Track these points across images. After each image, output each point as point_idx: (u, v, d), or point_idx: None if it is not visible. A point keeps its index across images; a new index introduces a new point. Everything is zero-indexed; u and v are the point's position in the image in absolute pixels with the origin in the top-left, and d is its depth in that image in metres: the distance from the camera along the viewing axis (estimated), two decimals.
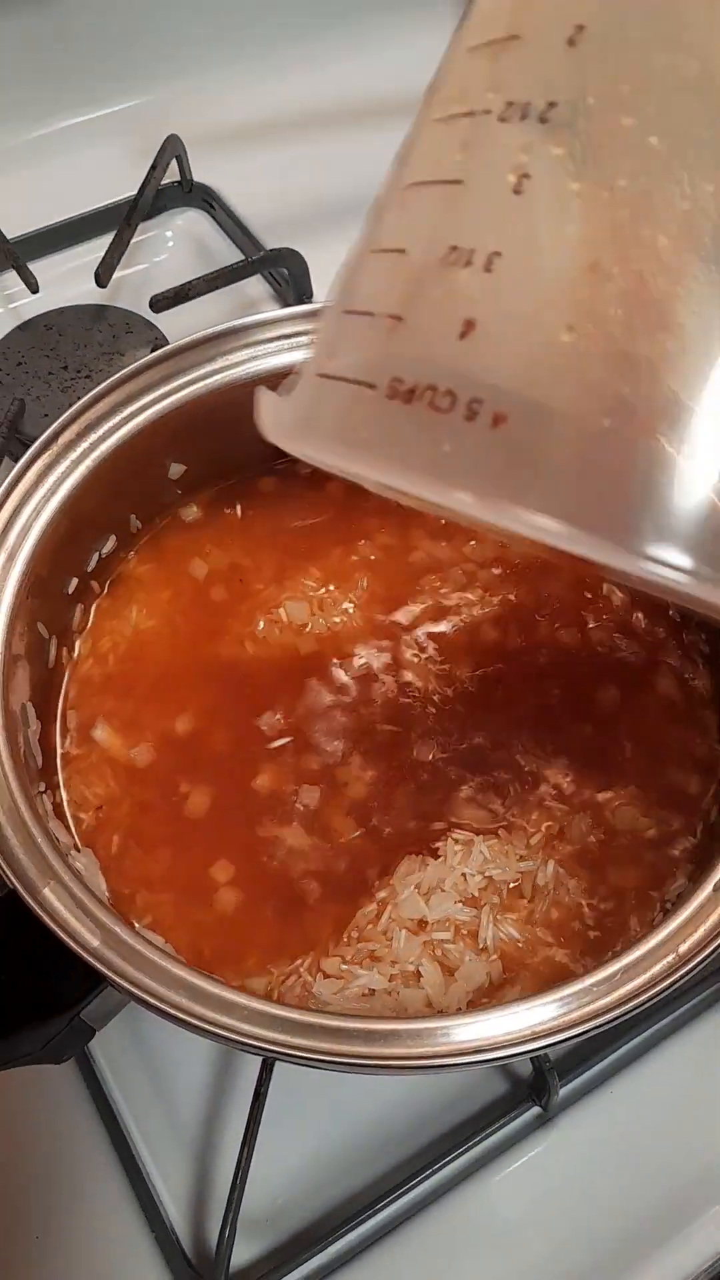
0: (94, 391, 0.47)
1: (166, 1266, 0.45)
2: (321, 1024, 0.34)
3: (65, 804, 0.44)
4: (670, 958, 0.35)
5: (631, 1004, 0.34)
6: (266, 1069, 0.45)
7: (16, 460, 0.65)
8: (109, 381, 0.47)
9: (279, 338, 0.50)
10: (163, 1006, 0.34)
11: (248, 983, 0.41)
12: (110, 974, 0.34)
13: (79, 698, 0.48)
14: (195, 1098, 0.49)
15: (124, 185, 0.79)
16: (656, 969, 0.35)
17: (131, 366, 0.48)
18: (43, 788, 0.43)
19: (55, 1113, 0.48)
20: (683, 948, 0.35)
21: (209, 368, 0.49)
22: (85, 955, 0.34)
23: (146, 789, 0.45)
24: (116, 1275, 0.45)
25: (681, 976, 0.34)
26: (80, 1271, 0.45)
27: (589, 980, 0.35)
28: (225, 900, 0.43)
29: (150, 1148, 0.48)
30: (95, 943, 0.35)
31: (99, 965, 0.34)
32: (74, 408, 0.47)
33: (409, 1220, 0.47)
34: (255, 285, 0.77)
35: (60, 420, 0.46)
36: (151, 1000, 0.34)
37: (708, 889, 0.37)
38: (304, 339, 0.50)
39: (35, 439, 0.64)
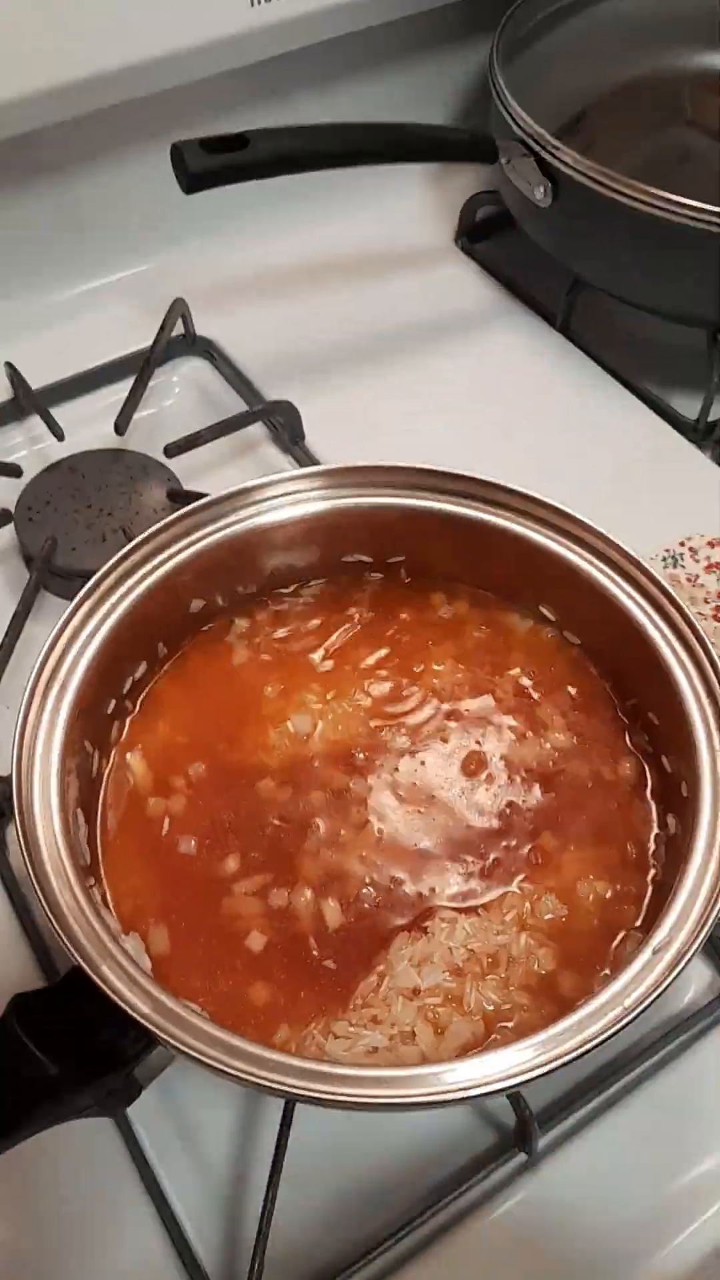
0: (132, 543, 0.56)
1: None
2: (337, 1073, 0.42)
3: (108, 896, 0.52)
4: (618, 1010, 0.43)
5: (588, 1046, 0.42)
6: (286, 1125, 0.52)
7: (50, 590, 0.76)
8: (144, 535, 0.56)
9: (282, 495, 0.60)
10: (206, 1060, 0.41)
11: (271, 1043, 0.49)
12: (162, 1035, 0.42)
13: (114, 799, 0.57)
14: (221, 1154, 0.56)
15: (135, 339, 0.91)
16: (608, 1018, 0.43)
17: (161, 522, 0.57)
18: (91, 882, 0.51)
19: (95, 1168, 0.55)
20: (627, 1002, 0.43)
21: (224, 521, 0.59)
22: (140, 1020, 0.42)
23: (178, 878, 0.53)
24: None
25: (626, 1024, 0.42)
26: None
27: (554, 1030, 0.43)
28: (248, 971, 0.51)
29: (181, 1198, 0.54)
30: (147, 1009, 0.43)
31: (152, 1028, 0.42)
32: (114, 558, 0.56)
33: (410, 1260, 0.53)
34: (254, 428, 0.87)
35: (104, 569, 0.55)
36: (197, 1055, 0.41)
37: (647, 953, 0.45)
38: (300, 495, 0.60)
39: (66, 570, 0.75)
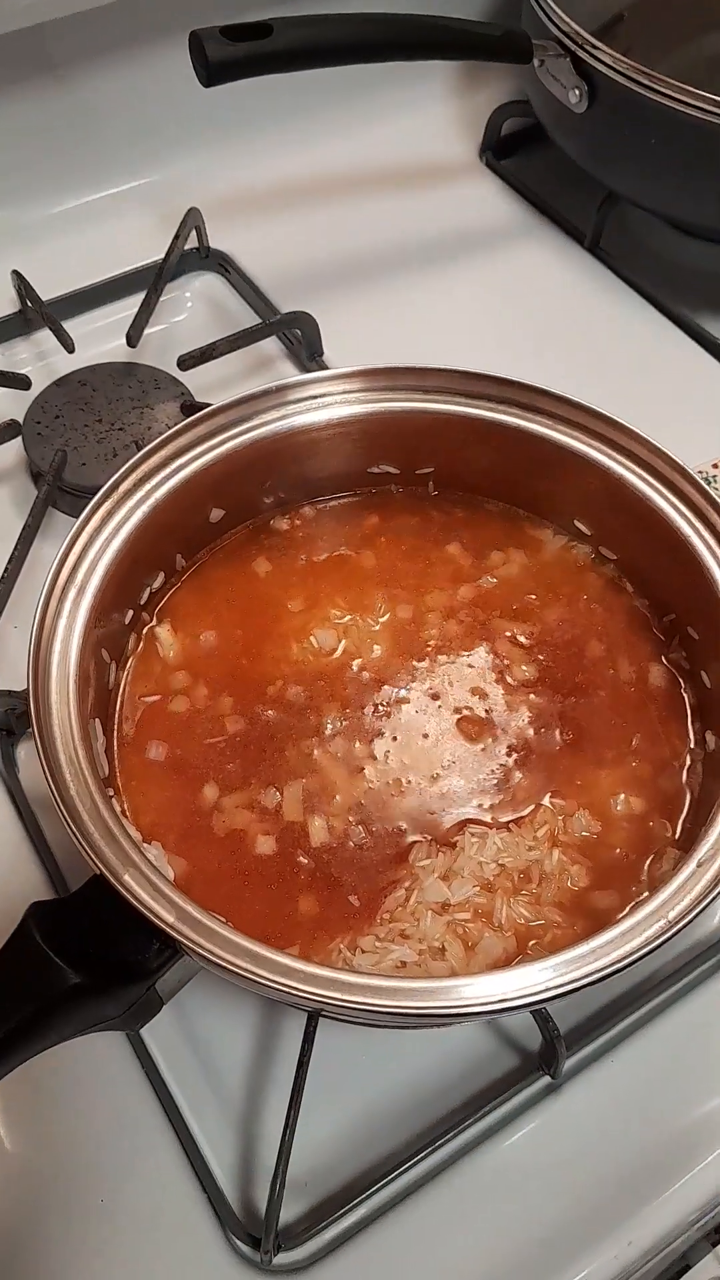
0: (148, 447, 0.54)
1: (220, 1227, 0.50)
2: (363, 983, 0.40)
3: (126, 809, 0.50)
4: (660, 923, 0.41)
5: (624, 962, 0.40)
6: (309, 1041, 0.51)
7: (59, 507, 0.74)
8: (161, 438, 0.54)
9: (306, 399, 0.57)
10: (234, 968, 0.39)
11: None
12: (188, 943, 0.40)
13: (129, 712, 0.54)
14: (238, 1073, 0.54)
15: (147, 251, 0.87)
16: (648, 934, 0.41)
17: (180, 424, 0.54)
18: (110, 793, 0.49)
19: (113, 1089, 0.53)
20: (672, 914, 0.41)
21: (245, 425, 0.56)
22: (165, 928, 0.40)
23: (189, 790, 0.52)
24: (175, 1235, 0.50)
25: (666, 939, 0.40)
26: (142, 1233, 0.50)
27: (586, 946, 0.41)
28: (270, 883, 0.49)
29: (199, 1119, 0.53)
30: (171, 918, 0.41)
31: (178, 936, 0.40)
32: (130, 461, 0.53)
33: (433, 1180, 0.52)
34: (270, 343, 0.84)
35: (120, 471, 0.53)
36: (224, 963, 0.40)
37: (691, 866, 0.43)
38: (327, 399, 0.57)
39: (76, 486, 0.73)
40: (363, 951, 0.47)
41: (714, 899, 0.42)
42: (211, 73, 0.69)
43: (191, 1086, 0.54)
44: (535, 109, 0.90)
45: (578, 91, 0.80)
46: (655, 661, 0.56)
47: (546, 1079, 0.54)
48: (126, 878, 0.42)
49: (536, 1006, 0.40)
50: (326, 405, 0.57)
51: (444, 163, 0.98)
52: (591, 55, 0.77)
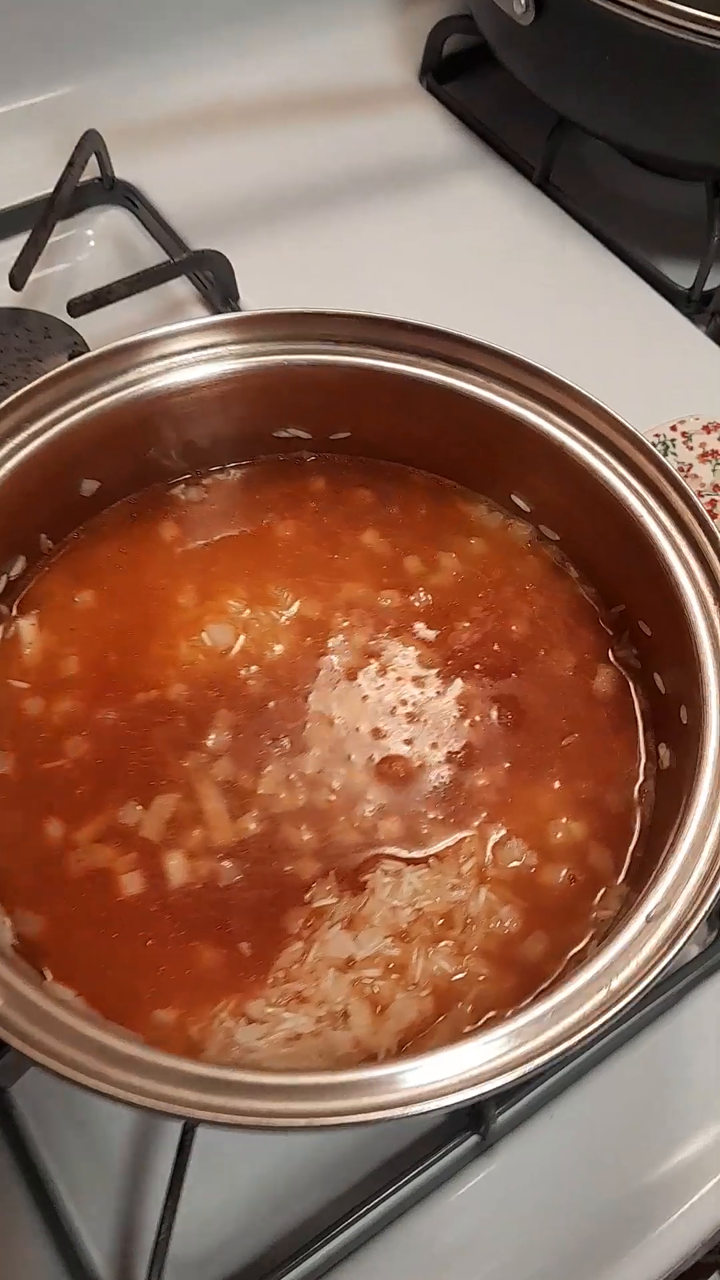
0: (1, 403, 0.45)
1: None
2: (248, 1081, 0.32)
3: None
4: (602, 994, 0.34)
5: (565, 1045, 0.33)
6: (184, 1151, 0.43)
7: None
8: (12, 398, 0.45)
9: (195, 348, 0.48)
10: (74, 1075, 0.32)
11: (162, 1025, 0.39)
12: (15, 1040, 0.32)
13: None
14: (121, 1139, 0.47)
15: (41, 182, 0.76)
16: (588, 1006, 0.34)
17: (36, 381, 0.45)
18: None
19: None
20: (615, 983, 0.34)
21: (122, 380, 0.47)
22: None
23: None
24: None
25: (615, 1014, 0.33)
26: None
27: (523, 1020, 0.34)
28: (136, 931, 0.41)
29: (72, 1192, 0.45)
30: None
31: (3, 1031, 0.32)
32: None
33: (351, 1255, 0.45)
34: (181, 286, 0.74)
35: None
36: (60, 1069, 0.32)
37: (640, 920, 0.36)
38: (220, 350, 0.48)
39: None
40: (249, 1021, 0.39)
41: (668, 962, 0.34)
42: None
43: (66, 1153, 0.46)
44: (479, 24, 0.81)
45: (524, 2, 0.70)
46: (602, 660, 0.48)
47: (475, 1138, 0.47)
48: None
49: (455, 1107, 0.32)
50: (219, 359, 0.48)
51: (379, 86, 0.88)
52: None
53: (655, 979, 0.34)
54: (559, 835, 0.44)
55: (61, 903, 0.41)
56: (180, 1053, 0.38)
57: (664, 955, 0.34)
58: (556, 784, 0.45)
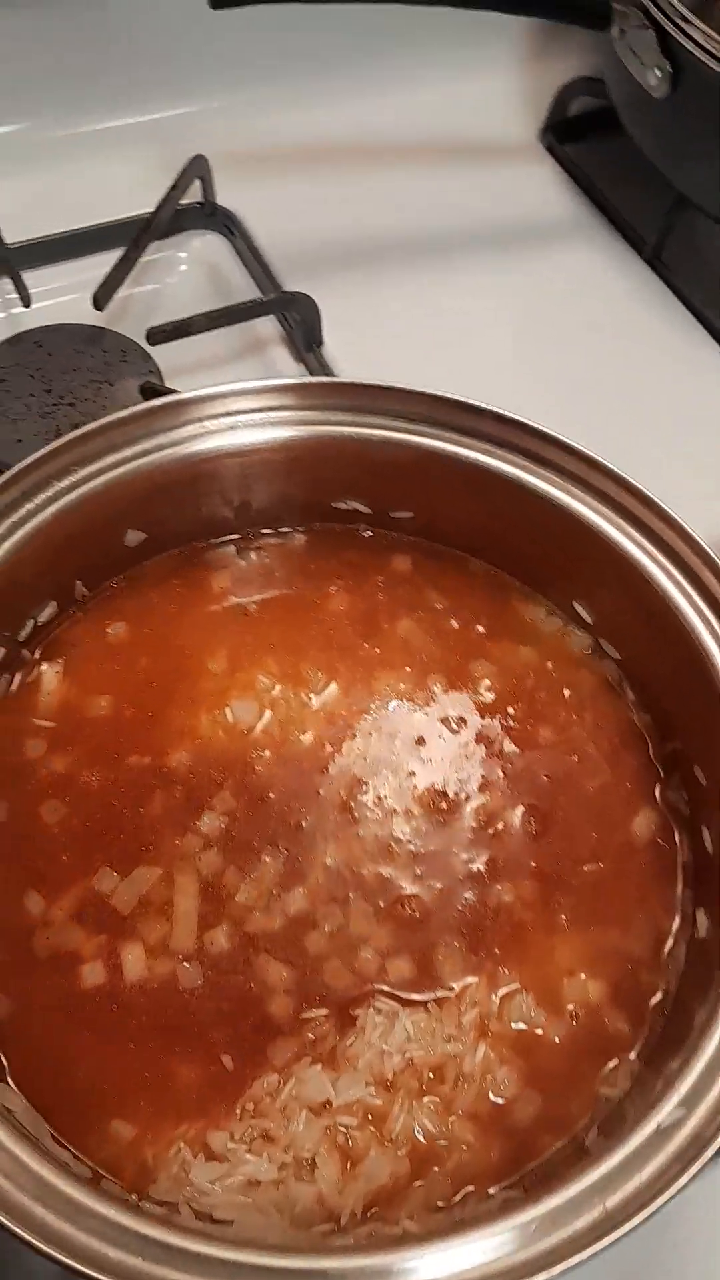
0: (55, 443, 0.42)
1: None
2: (198, 1252, 0.29)
3: None
4: (597, 1213, 0.30)
5: (546, 1274, 0.29)
6: None
7: None
8: (73, 435, 0.42)
9: (264, 409, 0.45)
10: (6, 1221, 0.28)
11: (117, 1139, 0.36)
12: None
13: None
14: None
15: (142, 199, 0.75)
16: (580, 1224, 0.30)
17: (99, 422, 0.43)
18: None
19: None
20: (611, 1203, 0.30)
21: (185, 431, 0.45)
22: None
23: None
24: None
25: (609, 1244, 0.29)
26: None
27: (506, 1224, 0.30)
28: (104, 1025, 0.38)
29: None
30: None
31: None
32: (28, 460, 0.42)
33: None
34: (264, 323, 0.72)
35: (11, 472, 0.41)
36: None
37: (650, 1127, 0.32)
38: (286, 414, 0.45)
39: (5, 466, 0.61)
40: (209, 1157, 0.36)
41: (675, 1194, 0.30)
42: None
43: None
44: (609, 88, 0.77)
45: (659, 72, 0.67)
46: (646, 799, 0.44)
47: None
48: None
49: None
50: (284, 423, 0.46)
51: (497, 139, 0.85)
52: (681, 30, 0.64)
53: (659, 1208, 0.30)
54: (574, 993, 0.40)
55: (28, 984, 0.38)
56: (130, 1177, 0.35)
57: (673, 1181, 0.30)
58: (579, 932, 0.41)
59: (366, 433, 0.46)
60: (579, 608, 0.48)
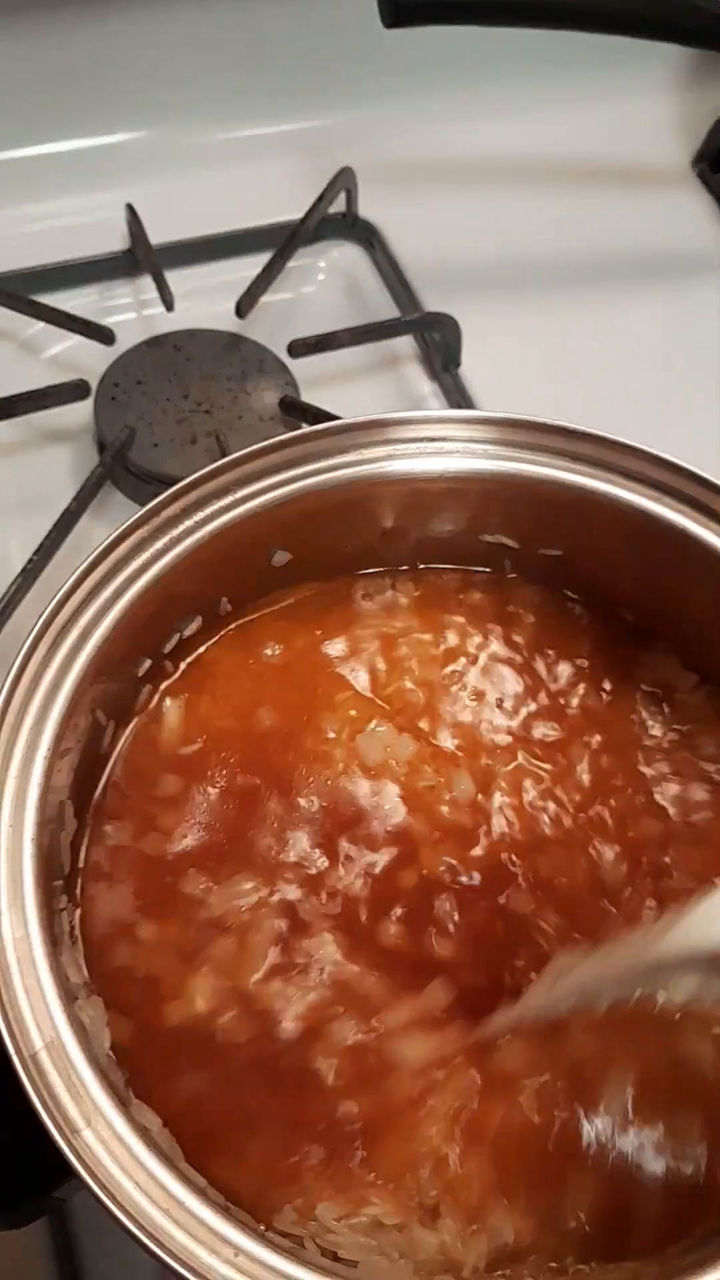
0: (219, 462, 0.42)
1: None
2: None
3: (76, 926, 0.39)
4: None
5: None
6: None
7: (120, 488, 0.63)
8: (237, 455, 0.42)
9: (421, 439, 0.45)
10: (133, 1229, 0.29)
11: (247, 1160, 0.36)
12: (87, 1178, 0.29)
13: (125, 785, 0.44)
14: None
15: (281, 208, 0.75)
16: None
17: (264, 443, 0.43)
18: (64, 902, 0.38)
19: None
20: None
21: (340, 459, 0.44)
22: (68, 1153, 0.30)
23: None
24: None
25: None
26: None
27: None
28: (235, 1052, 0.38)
29: None
30: (81, 1126, 0.31)
31: (80, 1169, 0.30)
32: (191, 478, 0.42)
33: None
34: (403, 341, 0.72)
35: (172, 491, 0.42)
36: (124, 1220, 0.29)
37: None
38: (447, 445, 0.45)
39: (142, 469, 0.62)
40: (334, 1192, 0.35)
41: None
42: (398, 12, 0.57)
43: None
44: None
45: None
46: None
47: None
48: (41, 1055, 0.31)
49: None
50: (445, 453, 0.45)
51: (649, 165, 0.84)
52: None
53: None
54: None
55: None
56: (251, 1205, 0.35)
57: None
58: None
59: (527, 469, 0.45)
60: None
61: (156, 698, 0.45)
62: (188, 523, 0.42)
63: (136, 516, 0.41)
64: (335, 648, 0.47)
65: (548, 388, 0.69)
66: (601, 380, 0.70)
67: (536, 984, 0.37)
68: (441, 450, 0.45)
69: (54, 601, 0.39)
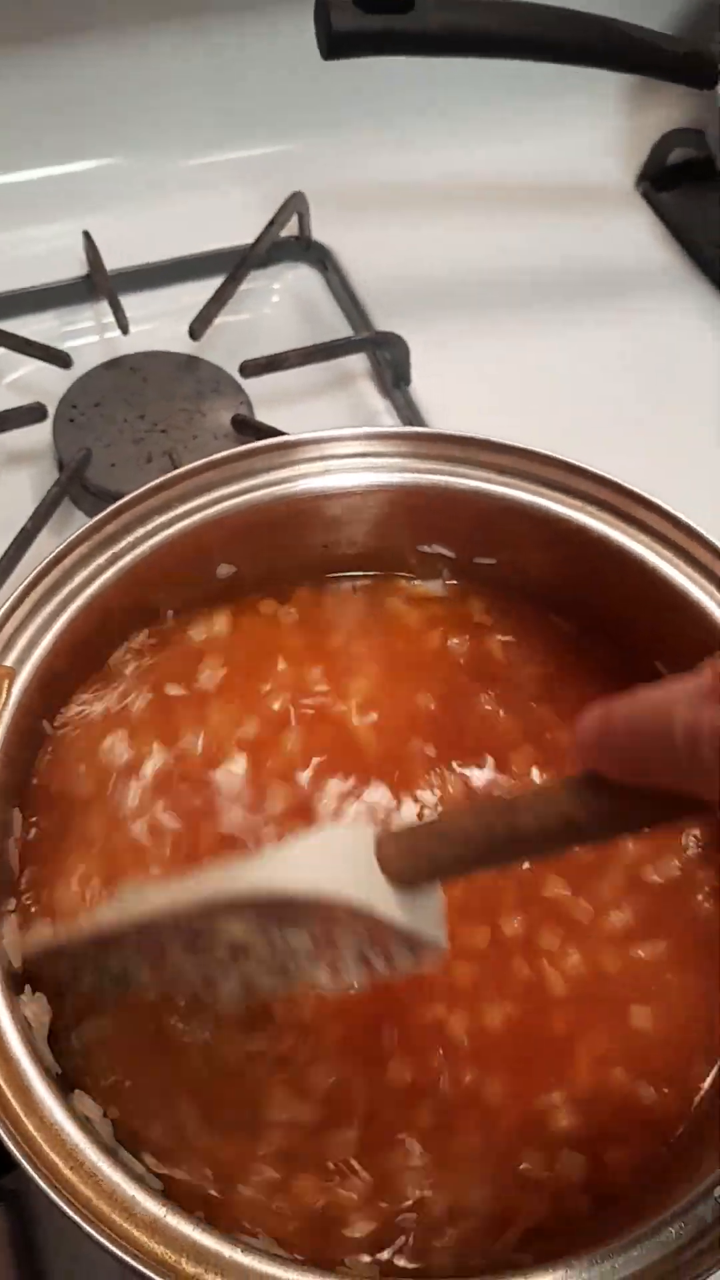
0: (153, 483, 0.44)
1: None
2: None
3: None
4: None
5: None
6: None
7: (81, 506, 0.65)
8: (185, 469, 0.44)
9: (357, 455, 0.47)
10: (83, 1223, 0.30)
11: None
12: (30, 1169, 0.31)
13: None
14: None
15: (235, 233, 0.77)
16: None
17: (209, 458, 0.45)
18: (12, 905, 0.39)
19: None
20: None
21: (279, 474, 0.46)
22: (9, 1143, 0.31)
23: None
24: None
25: None
26: None
27: None
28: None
29: None
30: (22, 1116, 0.32)
31: (20, 1159, 0.31)
32: (127, 498, 0.44)
33: None
34: (354, 358, 0.74)
35: (108, 511, 0.43)
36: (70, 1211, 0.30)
37: None
38: (381, 460, 0.47)
39: (99, 489, 0.63)
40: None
41: None
42: (333, 43, 0.59)
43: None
44: (709, 142, 0.78)
45: None
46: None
47: None
48: None
49: None
50: (380, 468, 0.47)
51: (593, 184, 0.86)
52: None
53: None
54: None
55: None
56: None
57: None
58: None
59: (458, 482, 0.47)
60: (660, 667, 0.48)
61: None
62: (129, 538, 0.44)
63: (79, 533, 0.42)
64: (278, 658, 0.48)
65: (496, 403, 0.71)
66: (549, 396, 0.72)
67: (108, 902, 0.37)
68: (373, 465, 0.47)
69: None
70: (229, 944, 0.31)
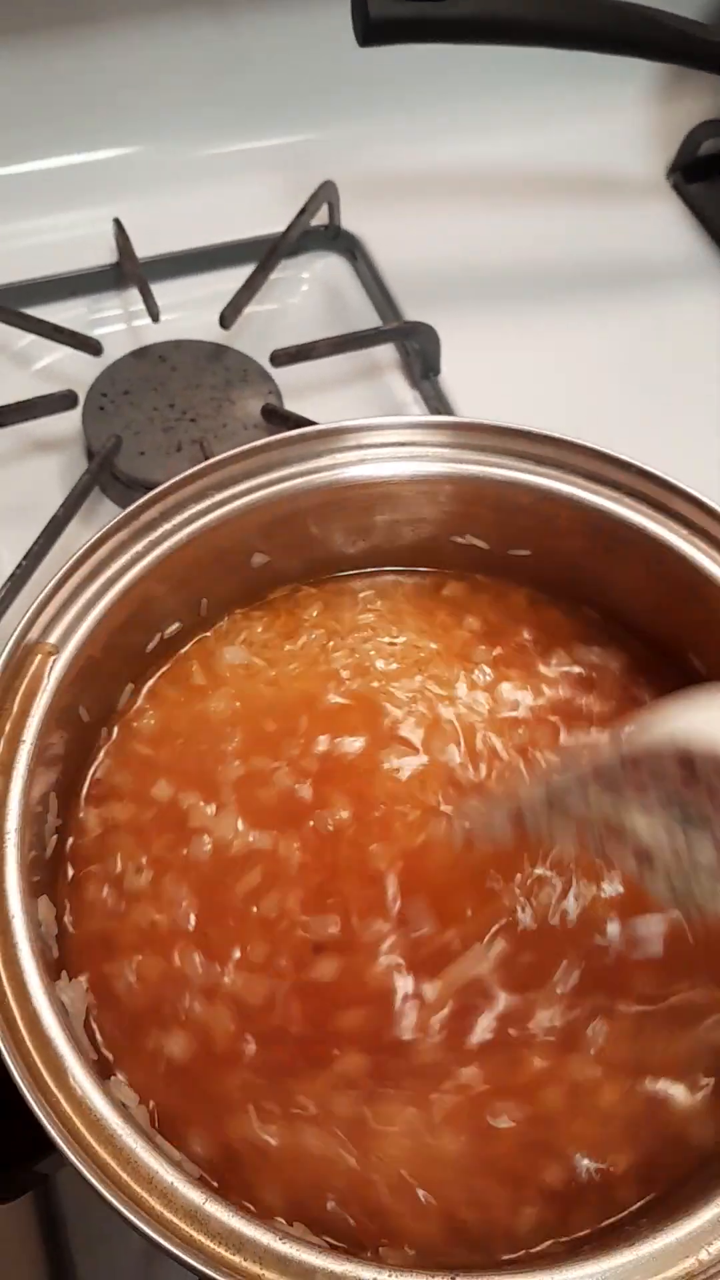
0: (189, 471, 0.44)
1: None
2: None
3: (68, 913, 0.41)
4: (690, 1262, 0.31)
5: None
6: None
7: (109, 494, 0.65)
8: (220, 457, 0.44)
9: (394, 444, 0.46)
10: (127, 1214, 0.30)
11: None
12: (68, 1151, 0.31)
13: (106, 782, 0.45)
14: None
15: (265, 222, 0.77)
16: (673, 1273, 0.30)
17: (244, 447, 0.45)
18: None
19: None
20: (706, 1254, 0.31)
21: (314, 463, 0.46)
22: (42, 1119, 0.31)
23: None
24: None
25: None
26: None
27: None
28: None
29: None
30: (61, 1100, 0.32)
31: (55, 1136, 0.31)
32: (163, 486, 0.44)
33: None
34: (382, 348, 0.74)
35: (144, 499, 0.43)
36: (107, 1193, 0.30)
37: None
38: (418, 450, 0.46)
39: (128, 477, 0.63)
40: None
41: None
42: (369, 30, 0.58)
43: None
44: None
45: None
46: None
47: None
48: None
49: None
50: (415, 458, 0.47)
51: (624, 176, 0.86)
52: None
53: None
54: None
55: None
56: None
57: None
58: None
59: (495, 472, 0.47)
60: (693, 658, 0.48)
61: (141, 698, 0.47)
62: (166, 526, 0.44)
63: (115, 520, 0.42)
64: (311, 650, 0.48)
65: (525, 394, 0.70)
66: (578, 387, 0.72)
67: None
68: (411, 455, 0.46)
69: (35, 605, 0.40)
70: (635, 849, 0.31)
